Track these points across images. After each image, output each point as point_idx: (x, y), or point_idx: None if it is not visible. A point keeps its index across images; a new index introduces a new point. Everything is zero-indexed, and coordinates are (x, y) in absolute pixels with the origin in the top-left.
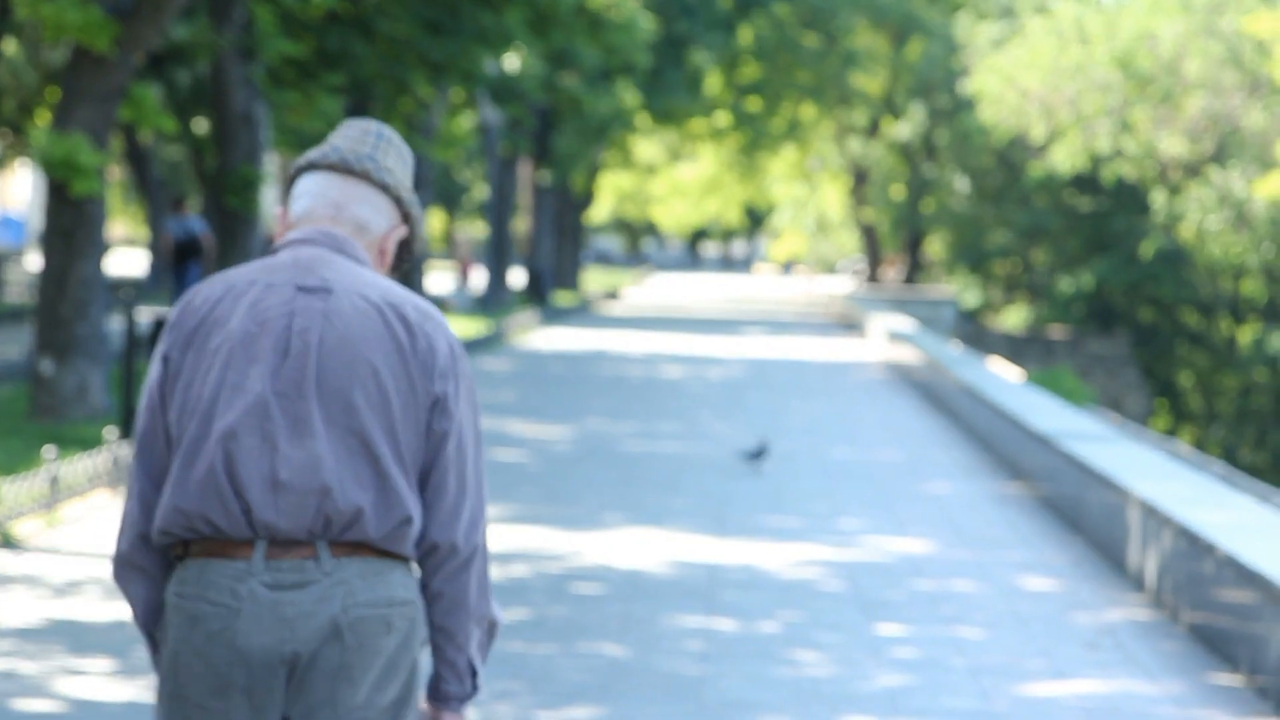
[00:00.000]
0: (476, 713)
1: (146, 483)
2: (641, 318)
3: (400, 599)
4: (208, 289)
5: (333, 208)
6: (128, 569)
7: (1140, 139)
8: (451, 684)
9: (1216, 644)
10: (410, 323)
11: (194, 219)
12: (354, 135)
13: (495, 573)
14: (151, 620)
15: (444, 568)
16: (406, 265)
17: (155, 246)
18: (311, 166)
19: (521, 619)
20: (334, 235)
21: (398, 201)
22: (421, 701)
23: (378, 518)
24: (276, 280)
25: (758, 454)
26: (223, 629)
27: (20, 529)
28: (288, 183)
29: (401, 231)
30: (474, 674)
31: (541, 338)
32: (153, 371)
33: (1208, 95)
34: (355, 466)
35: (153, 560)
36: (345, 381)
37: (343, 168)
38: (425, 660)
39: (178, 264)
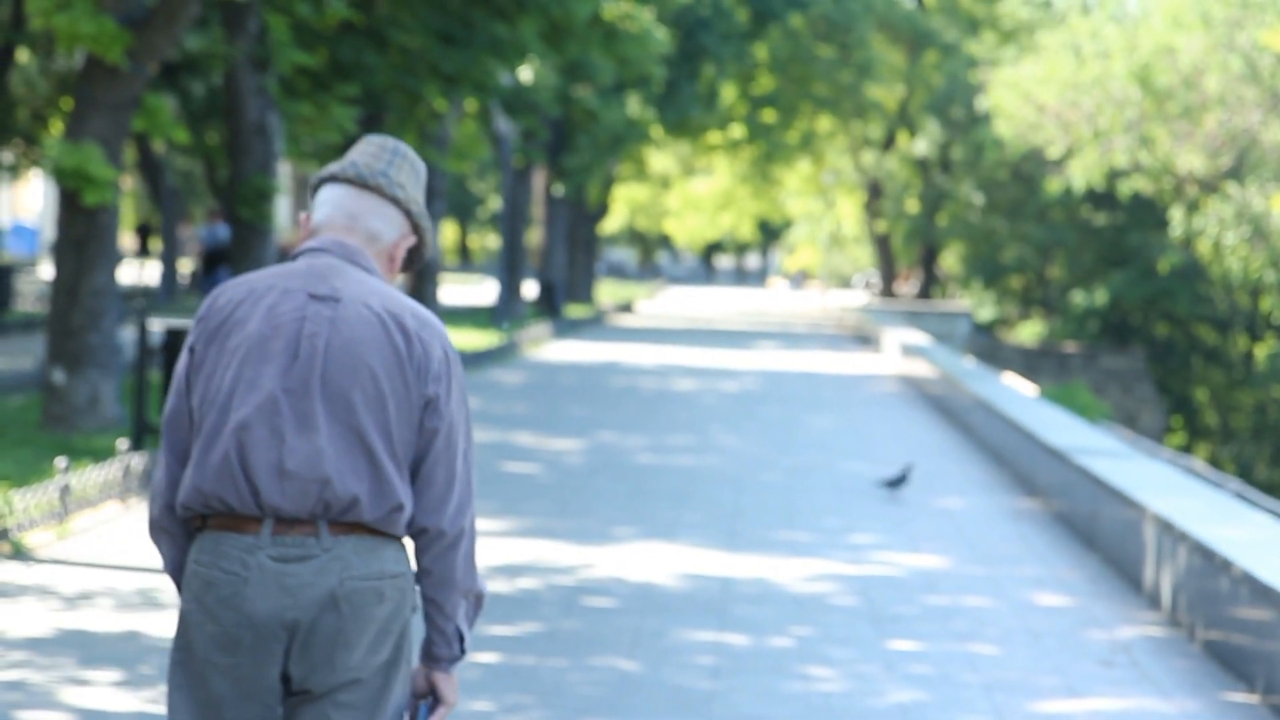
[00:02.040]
0: None
1: (172, 458)
2: (655, 330)
3: (391, 572)
4: (232, 290)
5: (348, 218)
6: (158, 531)
7: (1158, 154)
8: (441, 648)
9: (1232, 661)
10: (408, 330)
11: (222, 226)
12: (371, 151)
13: (506, 586)
14: (178, 572)
15: (432, 548)
16: (417, 267)
17: (168, 256)
18: (332, 179)
19: (533, 632)
20: (346, 245)
21: (408, 214)
22: (416, 662)
23: (372, 504)
24: (292, 286)
25: (898, 480)
26: (233, 594)
27: (31, 540)
28: (311, 192)
29: (410, 241)
30: (461, 639)
31: (554, 350)
32: (181, 360)
33: (1226, 110)
34: (353, 459)
35: (177, 525)
36: (347, 383)
37: (359, 182)
38: (417, 625)
39: (207, 270)
